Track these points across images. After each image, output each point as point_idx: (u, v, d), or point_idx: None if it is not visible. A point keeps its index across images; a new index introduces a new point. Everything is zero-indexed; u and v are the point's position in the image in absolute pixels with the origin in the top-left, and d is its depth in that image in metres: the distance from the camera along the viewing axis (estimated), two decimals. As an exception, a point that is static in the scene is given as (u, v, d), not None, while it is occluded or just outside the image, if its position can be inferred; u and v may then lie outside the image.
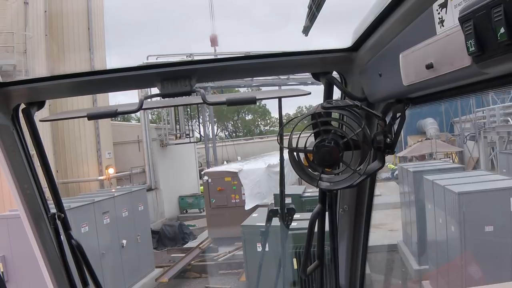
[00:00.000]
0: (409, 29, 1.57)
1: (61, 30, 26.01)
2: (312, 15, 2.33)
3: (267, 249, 12.05)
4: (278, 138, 2.18)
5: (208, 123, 39.59)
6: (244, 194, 24.06)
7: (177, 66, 2.31)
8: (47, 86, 2.37)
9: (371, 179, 2.60)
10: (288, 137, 2.03)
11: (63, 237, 2.78)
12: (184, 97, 2.35)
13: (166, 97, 2.33)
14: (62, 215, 2.71)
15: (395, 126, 1.97)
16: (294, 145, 2.01)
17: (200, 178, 33.22)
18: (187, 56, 29.58)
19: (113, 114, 2.39)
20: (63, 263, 2.86)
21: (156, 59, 30.52)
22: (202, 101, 2.30)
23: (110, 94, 24.59)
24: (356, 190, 2.68)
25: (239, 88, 34.33)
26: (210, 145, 39.94)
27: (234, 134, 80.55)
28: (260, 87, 33.51)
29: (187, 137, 35.29)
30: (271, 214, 3.52)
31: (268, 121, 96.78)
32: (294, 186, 24.12)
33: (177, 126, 34.39)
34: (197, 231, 27.63)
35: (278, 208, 3.39)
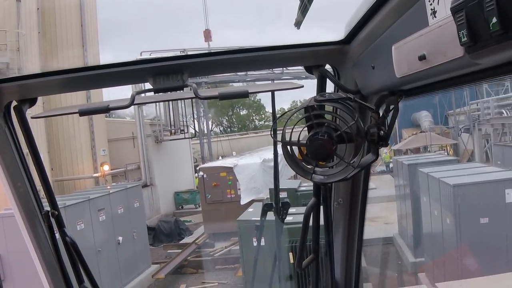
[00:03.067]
0: (401, 20, 1.57)
1: (54, 26, 25.93)
2: (304, 8, 2.32)
3: (263, 243, 12.15)
4: (272, 132, 2.17)
5: (202, 118, 39.56)
6: (239, 189, 24.08)
7: (169, 61, 2.30)
8: (38, 82, 2.35)
9: (365, 172, 2.60)
10: (281, 131, 2.02)
11: (57, 234, 2.78)
12: (176, 92, 2.34)
13: (158, 92, 2.32)
14: (56, 212, 2.70)
15: (389, 119, 1.97)
16: (287, 139, 2.00)
17: (195, 173, 33.25)
18: (180, 51, 29.55)
19: (104, 110, 2.39)
20: (58, 260, 2.86)
21: (150, 55, 30.47)
22: (194, 96, 2.30)
23: (105, 90, 24.60)
24: (350, 183, 2.68)
25: (233, 83, 34.28)
26: (205, 140, 39.94)
27: (229, 129, 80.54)
28: (255, 82, 33.50)
29: (182, 133, 35.28)
30: (266, 208, 3.52)
31: (263, 116, 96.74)
32: (290, 181, 24.14)
33: (172, 122, 34.36)
34: (193, 226, 27.67)
35: (273, 202, 3.38)
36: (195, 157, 43.20)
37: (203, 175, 24.83)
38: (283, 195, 17.84)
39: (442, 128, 37.41)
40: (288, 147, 2.01)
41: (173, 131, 34.44)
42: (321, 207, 2.55)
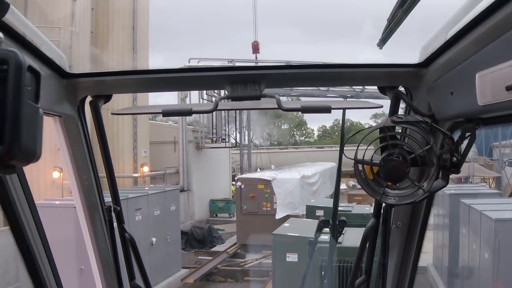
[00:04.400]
0: (488, 49, 1.54)
1: (106, 28, 26.38)
2: (391, 30, 2.32)
3: (296, 259, 12.10)
4: (341, 149, 2.18)
5: (244, 129, 39.68)
6: (276, 203, 24.03)
7: (247, 70, 2.33)
8: (115, 80, 2.41)
9: (429, 198, 2.58)
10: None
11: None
12: (258, 101, 2.37)
13: (236, 100, 2.35)
14: (118, 208, 2.76)
15: (462, 146, 1.96)
16: (359, 157, 2.01)
17: (233, 183, 33.31)
18: (228, 61, 29.75)
19: (188, 112, 2.42)
20: (113, 255, 2.91)
21: (198, 62, 30.76)
22: (277, 107, 2.31)
23: (151, 95, 24.89)
24: (411, 208, 2.65)
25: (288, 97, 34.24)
26: (245, 151, 40.02)
27: (268, 143, 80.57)
28: (300, 98, 33.42)
29: (223, 142, 35.45)
30: (322, 224, 3.48)
31: (304, 131, 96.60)
32: (327, 199, 24.00)
33: (214, 130, 34.57)
34: (226, 235, 27.70)
35: (330, 219, 3.36)
36: (233, 167, 43.32)
37: (240, 186, 24.87)
38: (319, 213, 17.74)
39: (486, 159, 36.58)
40: (360, 165, 2.03)
41: (214, 139, 34.63)
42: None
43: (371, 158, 2.01)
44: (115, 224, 2.82)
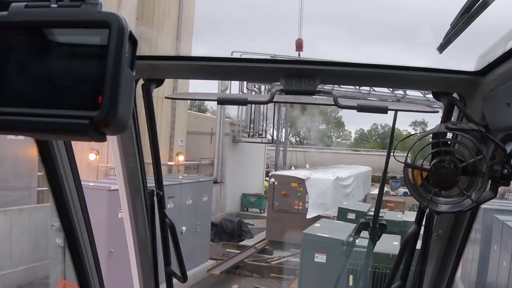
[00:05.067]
0: None
1: (152, 15, 26.60)
2: (454, 34, 2.27)
3: (324, 260, 12.04)
4: (392, 152, 2.16)
5: (282, 126, 39.65)
6: (308, 202, 23.94)
7: (301, 65, 2.29)
8: (169, 65, 2.39)
9: (474, 209, 2.52)
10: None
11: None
12: (314, 96, 2.33)
13: (290, 94, 2.32)
14: (161, 193, 2.76)
15: None
16: (410, 161, 1.99)
17: (266, 179, 33.33)
18: (271, 56, 29.74)
19: (243, 102, 2.43)
20: (151, 239, 2.91)
21: (240, 55, 30.72)
22: (333, 103, 2.29)
23: (191, 84, 25.10)
24: (455, 217, 2.61)
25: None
26: (280, 148, 39.99)
27: (305, 142, 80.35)
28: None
29: (259, 137, 35.48)
30: (362, 226, 3.43)
31: (341, 133, 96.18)
32: (360, 203, 23.86)
33: (251, 125, 34.62)
34: (255, 230, 27.74)
35: (370, 222, 3.30)
36: (267, 163, 43.38)
37: (274, 182, 24.85)
38: (351, 216, 17.64)
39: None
40: (410, 170, 2.00)
41: (251, 133, 34.70)
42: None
43: (422, 163, 1.97)
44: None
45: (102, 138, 1.18)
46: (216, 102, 2.39)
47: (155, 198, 2.78)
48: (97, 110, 1.13)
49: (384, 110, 2.33)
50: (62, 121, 1.15)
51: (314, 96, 2.32)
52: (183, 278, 2.92)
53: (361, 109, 2.31)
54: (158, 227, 2.90)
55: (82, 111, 1.14)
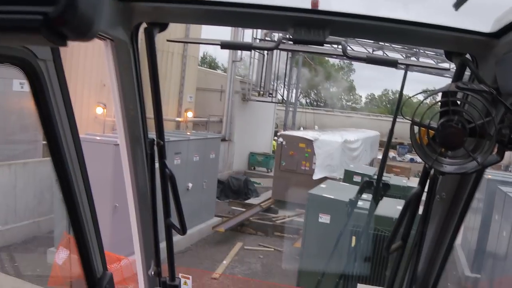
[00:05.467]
0: None
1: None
2: None
3: (328, 221, 12.07)
4: (400, 111, 2.10)
5: (293, 86, 39.45)
6: (315, 163, 23.97)
7: (312, 14, 2.20)
8: (174, 8, 2.27)
9: (479, 173, 2.46)
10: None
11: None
12: (322, 46, 2.26)
13: (298, 43, 2.24)
14: (162, 142, 2.69)
15: None
16: (417, 119, 1.94)
17: (275, 139, 33.34)
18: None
19: (247, 47, 2.42)
20: (151, 190, 2.87)
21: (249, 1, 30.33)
22: (341, 54, 2.24)
23: (203, 30, 24.80)
24: (459, 180, 2.56)
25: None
26: (290, 108, 39.88)
27: (315, 103, 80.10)
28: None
29: (269, 97, 35.32)
30: (365, 185, 3.40)
31: (352, 97, 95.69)
32: (366, 166, 23.85)
33: (262, 84, 34.43)
34: (261, 189, 27.91)
35: (374, 181, 3.27)
36: (277, 123, 43.34)
37: (282, 142, 24.83)
38: (357, 179, 17.64)
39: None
40: (416, 127, 1.96)
41: (261, 92, 34.54)
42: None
43: (429, 122, 1.93)
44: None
45: (60, 41, 1.07)
46: (220, 47, 2.31)
47: (155, 148, 2.71)
48: (53, 5, 1.02)
49: (394, 64, 2.28)
50: (11, 17, 1.03)
51: (322, 46, 2.26)
52: (182, 230, 2.89)
53: (370, 61, 2.25)
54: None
55: (36, 6, 1.03)
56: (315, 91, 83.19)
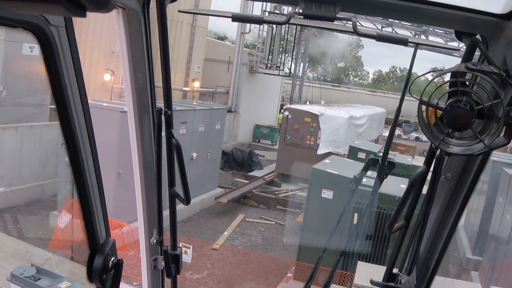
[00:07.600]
0: None
1: None
2: None
3: (331, 197, 12.10)
4: (408, 90, 2.09)
5: (300, 60, 39.25)
6: (320, 138, 23.95)
7: None
8: None
9: (485, 155, 2.46)
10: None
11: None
12: (332, 22, 2.21)
13: (308, 18, 2.19)
14: (169, 112, 2.68)
15: None
16: (425, 99, 1.94)
17: (280, 112, 33.29)
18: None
19: (258, 21, 2.41)
20: (157, 159, 2.87)
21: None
22: (352, 30, 2.21)
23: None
24: (465, 161, 2.55)
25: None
26: (297, 82, 39.74)
27: (322, 78, 79.74)
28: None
29: (277, 69, 35.22)
30: (371, 162, 3.40)
31: (359, 73, 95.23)
32: (371, 143, 23.81)
33: (270, 57, 34.30)
34: (265, 162, 27.97)
35: (379, 158, 3.26)
36: (283, 96, 43.25)
37: (288, 116, 24.78)
38: (361, 155, 17.64)
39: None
40: (424, 107, 1.95)
41: (268, 65, 34.44)
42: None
43: (437, 102, 1.92)
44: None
45: (81, 12, 1.07)
46: (231, 19, 2.30)
47: (163, 117, 2.71)
48: None
49: (404, 42, 2.26)
50: None
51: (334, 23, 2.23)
52: (186, 200, 2.89)
53: (380, 38, 2.23)
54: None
55: None
56: (323, 66, 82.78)
